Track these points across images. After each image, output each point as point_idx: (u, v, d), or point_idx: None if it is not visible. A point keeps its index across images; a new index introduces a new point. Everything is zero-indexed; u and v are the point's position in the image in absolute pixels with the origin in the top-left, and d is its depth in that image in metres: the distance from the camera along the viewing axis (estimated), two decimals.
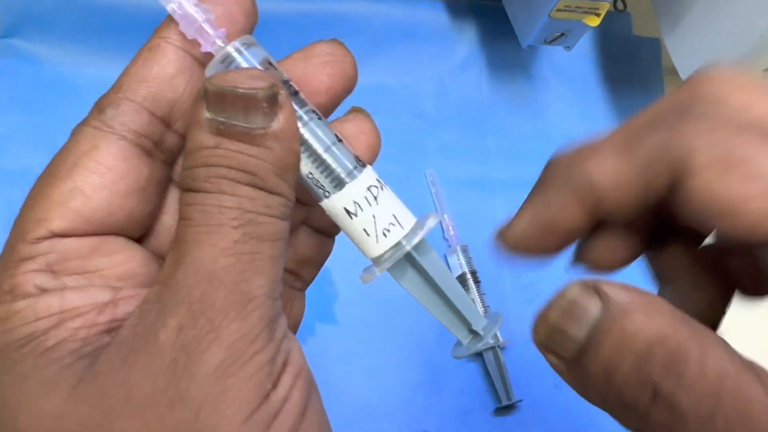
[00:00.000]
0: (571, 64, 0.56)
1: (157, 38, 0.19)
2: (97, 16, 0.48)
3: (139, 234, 0.19)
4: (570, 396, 0.51)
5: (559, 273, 0.54)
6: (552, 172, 0.20)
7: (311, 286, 0.45)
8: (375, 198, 0.19)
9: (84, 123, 0.18)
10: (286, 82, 0.19)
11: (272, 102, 0.17)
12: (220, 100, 0.17)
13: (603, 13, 0.42)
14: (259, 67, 0.18)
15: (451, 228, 0.48)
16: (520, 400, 0.44)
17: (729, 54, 0.42)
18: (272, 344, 0.16)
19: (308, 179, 0.19)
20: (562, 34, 0.45)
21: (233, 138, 0.17)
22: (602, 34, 0.57)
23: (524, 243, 0.20)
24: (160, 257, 0.20)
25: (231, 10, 0.19)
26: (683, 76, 0.46)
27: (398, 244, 0.20)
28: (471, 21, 0.54)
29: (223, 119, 0.16)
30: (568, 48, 0.47)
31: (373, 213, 0.19)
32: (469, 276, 0.46)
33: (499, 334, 0.45)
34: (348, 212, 0.19)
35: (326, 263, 0.45)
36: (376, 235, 0.19)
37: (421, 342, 0.45)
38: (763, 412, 0.15)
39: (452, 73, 0.53)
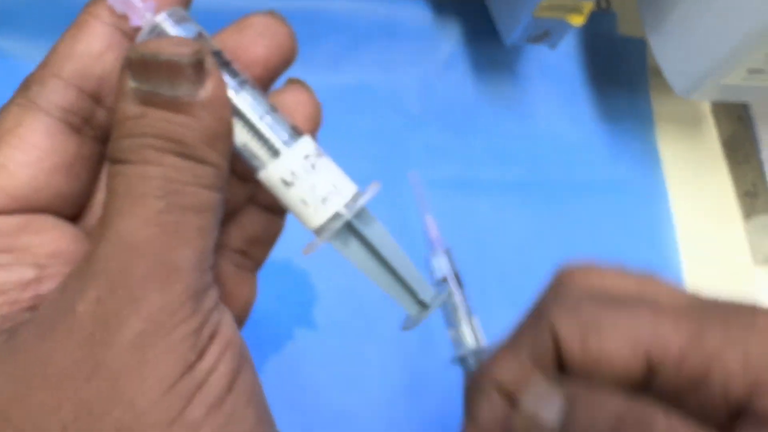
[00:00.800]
0: (557, 64, 0.56)
1: (84, 14, 0.18)
2: (70, 11, 0.47)
3: (71, 212, 0.19)
4: None
5: (544, 275, 0.54)
6: (473, 390, 0.22)
7: (290, 289, 0.45)
8: (312, 166, 0.19)
9: (9, 102, 0.18)
10: (217, 53, 0.18)
11: (198, 69, 0.17)
12: (144, 68, 0.16)
13: (587, 12, 0.43)
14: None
15: (434, 230, 0.48)
16: None
17: (713, 53, 0.42)
18: (197, 315, 0.16)
19: (244, 151, 0.19)
20: (546, 33, 0.45)
21: (159, 107, 0.16)
22: (587, 33, 0.57)
23: None
24: None
25: None
26: (667, 76, 0.46)
27: (338, 214, 0.19)
28: (455, 19, 0.54)
29: (148, 88, 0.16)
30: (552, 46, 0.47)
31: (311, 182, 0.19)
32: (453, 278, 0.46)
33: (482, 338, 0.45)
34: (285, 182, 0.19)
35: (305, 266, 0.45)
36: (315, 205, 0.19)
37: (403, 347, 0.45)
38: None
39: (436, 71, 0.53)
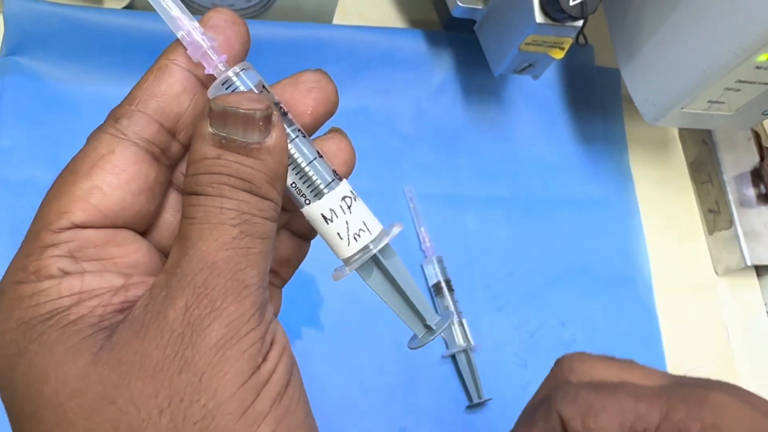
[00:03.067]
0: (539, 92, 0.59)
1: (165, 59, 0.21)
2: (97, 37, 0.50)
3: (144, 228, 0.22)
4: None
5: (526, 282, 0.58)
6: None
7: (300, 293, 0.48)
8: (348, 207, 0.22)
9: (101, 130, 0.21)
10: (276, 104, 0.21)
11: (267, 121, 0.19)
12: (223, 118, 0.19)
13: (567, 47, 0.46)
14: (255, 90, 0.21)
15: (427, 240, 0.51)
16: (490, 399, 0.47)
17: (677, 86, 0.46)
18: (262, 325, 0.19)
19: (292, 188, 0.22)
20: (530, 65, 0.49)
21: (233, 150, 0.19)
22: (567, 64, 0.60)
23: None
24: (160, 249, 0.22)
25: (229, 39, 0.21)
26: (637, 104, 0.50)
27: (366, 248, 0.23)
28: (447, 50, 0.57)
29: (224, 134, 0.19)
30: (535, 77, 0.51)
31: (346, 220, 0.22)
32: (443, 284, 0.49)
33: (470, 337, 0.48)
34: (325, 218, 0.22)
35: (313, 273, 0.48)
36: (348, 239, 0.22)
37: (399, 346, 0.48)
38: None
39: (429, 97, 0.56)
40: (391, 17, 0.60)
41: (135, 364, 0.17)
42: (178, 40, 0.21)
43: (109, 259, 0.20)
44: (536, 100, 0.59)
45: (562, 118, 0.60)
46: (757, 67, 0.43)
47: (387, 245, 0.23)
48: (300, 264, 0.26)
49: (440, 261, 0.50)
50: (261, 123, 0.19)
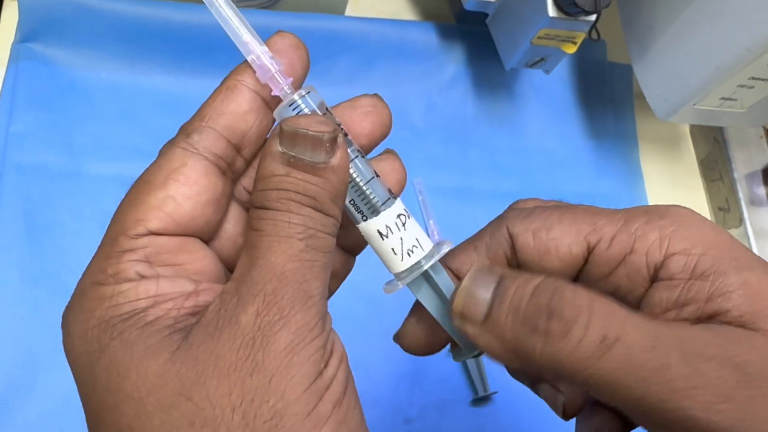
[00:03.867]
0: (550, 86, 0.59)
1: (234, 79, 0.22)
2: (110, 25, 0.51)
3: (210, 237, 0.23)
4: None
5: None
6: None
7: None
8: (403, 224, 0.23)
9: (173, 144, 0.22)
10: (338, 125, 0.23)
11: (333, 143, 0.21)
12: (293, 138, 0.21)
13: (579, 42, 0.46)
14: (318, 111, 0.22)
15: (436, 232, 0.51)
16: (495, 392, 0.48)
17: (689, 82, 0.46)
18: (324, 333, 0.20)
19: (350, 205, 0.23)
20: (542, 59, 0.49)
21: (300, 169, 0.21)
22: (579, 59, 0.60)
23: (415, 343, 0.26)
24: (221, 258, 0.23)
25: (293, 62, 0.23)
26: (649, 100, 0.50)
27: (418, 263, 0.24)
28: (459, 43, 0.57)
29: (293, 153, 0.21)
30: (547, 71, 0.51)
31: (400, 236, 0.23)
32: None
33: None
34: (380, 234, 0.23)
35: None
36: (402, 254, 0.24)
37: None
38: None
39: (440, 89, 0.57)
40: (403, 9, 0.60)
41: (210, 364, 0.19)
42: (246, 62, 0.22)
43: (181, 265, 0.21)
44: (547, 95, 0.59)
45: (573, 113, 0.60)
46: None
47: (436, 261, 0.24)
48: (346, 277, 0.27)
49: None
50: (328, 144, 0.21)
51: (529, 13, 0.45)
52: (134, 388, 0.19)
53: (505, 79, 0.59)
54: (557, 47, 0.47)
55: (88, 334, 0.20)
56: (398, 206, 0.24)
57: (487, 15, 0.51)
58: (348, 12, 0.56)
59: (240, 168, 0.23)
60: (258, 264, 0.20)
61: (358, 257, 0.28)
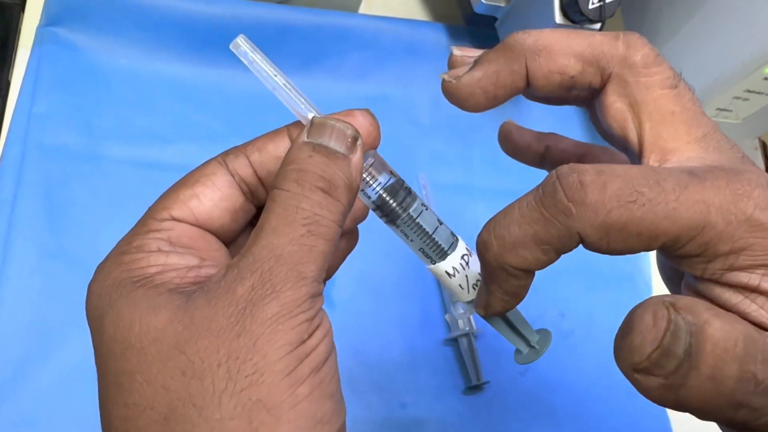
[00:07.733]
0: None
1: (285, 127, 0.26)
2: (132, 13, 0.52)
3: (226, 241, 0.26)
4: (531, 381, 0.57)
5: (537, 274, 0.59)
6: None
7: None
8: (467, 263, 0.27)
9: (214, 158, 0.26)
10: (406, 189, 0.26)
11: (354, 141, 0.24)
12: (321, 128, 0.23)
13: None
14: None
15: None
16: (488, 382, 0.49)
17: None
18: (312, 311, 0.22)
19: (420, 252, 0.26)
20: None
21: (322, 155, 0.23)
22: None
23: (474, 90, 0.28)
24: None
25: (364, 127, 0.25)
26: None
27: None
28: (468, 44, 0.57)
29: (319, 142, 0.23)
30: None
31: (465, 274, 0.27)
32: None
33: (473, 323, 0.50)
34: (448, 274, 0.27)
35: None
36: (468, 288, 0.27)
37: (404, 327, 0.50)
38: None
39: None
40: (415, 9, 0.61)
41: (204, 326, 0.21)
42: (299, 120, 0.25)
43: (197, 249, 0.25)
44: None
45: (576, 115, 0.61)
46: (766, 78, 0.45)
47: None
48: (343, 260, 0.29)
49: None
50: (350, 140, 0.23)
51: (537, 18, 0.47)
52: (137, 339, 0.21)
53: None
54: None
55: (102, 292, 0.23)
56: (461, 247, 0.27)
57: (496, 19, 0.53)
58: (361, 10, 0.58)
59: (261, 198, 0.26)
60: (261, 243, 0.22)
61: (363, 253, 0.30)
